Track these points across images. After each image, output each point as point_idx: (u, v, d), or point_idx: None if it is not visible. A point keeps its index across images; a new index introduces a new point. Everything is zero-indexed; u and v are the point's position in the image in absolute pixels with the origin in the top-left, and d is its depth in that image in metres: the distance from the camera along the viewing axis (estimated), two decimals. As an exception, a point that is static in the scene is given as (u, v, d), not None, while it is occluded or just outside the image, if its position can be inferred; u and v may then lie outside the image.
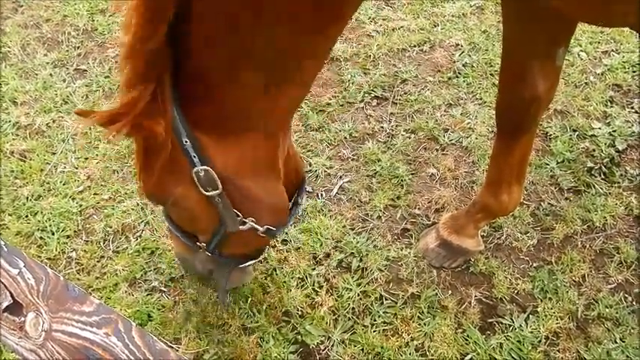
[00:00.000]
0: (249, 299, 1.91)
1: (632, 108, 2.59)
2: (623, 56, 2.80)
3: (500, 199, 1.87)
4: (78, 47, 2.97)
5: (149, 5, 0.99)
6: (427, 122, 2.53)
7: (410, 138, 2.49)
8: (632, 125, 2.50)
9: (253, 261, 1.71)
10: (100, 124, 1.10)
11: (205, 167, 1.28)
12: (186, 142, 1.24)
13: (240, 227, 1.42)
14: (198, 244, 1.54)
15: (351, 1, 1.16)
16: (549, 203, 2.22)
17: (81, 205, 2.23)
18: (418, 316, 1.86)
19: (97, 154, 2.43)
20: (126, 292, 1.94)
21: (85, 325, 0.81)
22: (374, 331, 1.83)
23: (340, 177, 2.34)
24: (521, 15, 1.54)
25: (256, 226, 1.43)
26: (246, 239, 1.51)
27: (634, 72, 2.77)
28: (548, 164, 2.35)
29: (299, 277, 1.97)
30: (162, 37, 1.04)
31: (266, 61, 1.15)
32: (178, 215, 1.51)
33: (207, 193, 1.32)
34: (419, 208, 2.22)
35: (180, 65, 1.15)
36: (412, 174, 2.34)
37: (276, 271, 1.99)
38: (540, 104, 1.66)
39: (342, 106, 2.63)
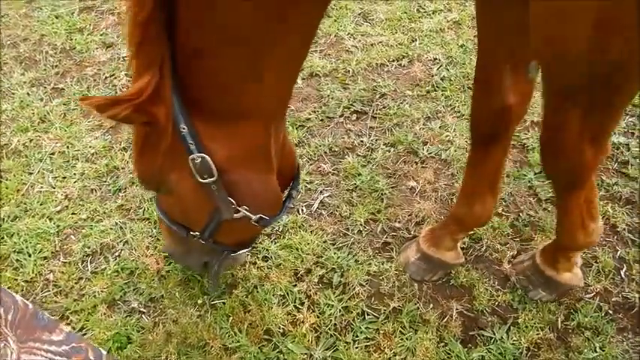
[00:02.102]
0: (230, 318, 1.89)
1: (607, 118, 2.63)
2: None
3: (473, 210, 1.87)
4: (56, 66, 2.95)
5: None
6: (406, 136, 2.55)
7: (389, 152, 2.50)
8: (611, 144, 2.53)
9: (246, 250, 1.73)
10: (102, 109, 1.12)
11: (202, 154, 1.30)
12: (183, 129, 1.27)
13: (235, 215, 1.44)
14: (192, 233, 1.55)
15: None
16: (528, 214, 2.23)
17: (58, 226, 2.21)
18: (400, 331, 1.86)
19: (74, 173, 2.40)
20: (105, 314, 1.91)
21: (55, 355, 0.80)
22: (356, 348, 1.82)
23: (321, 192, 2.34)
24: (493, 27, 1.55)
25: (250, 214, 1.45)
26: (239, 228, 1.52)
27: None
28: (526, 175, 2.37)
29: (280, 294, 1.96)
30: (156, 14, 1.08)
31: (251, 43, 1.17)
32: (172, 204, 1.53)
33: (203, 181, 1.34)
34: (399, 222, 2.22)
35: (177, 51, 1.18)
36: (392, 187, 2.35)
37: (257, 288, 1.98)
38: (511, 116, 1.67)
39: (321, 120, 2.64)
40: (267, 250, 2.10)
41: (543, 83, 1.47)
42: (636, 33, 1.18)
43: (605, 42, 1.20)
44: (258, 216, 1.47)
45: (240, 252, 1.73)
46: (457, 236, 1.98)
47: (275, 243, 2.13)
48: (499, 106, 1.63)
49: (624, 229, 2.16)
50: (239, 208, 1.43)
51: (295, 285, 1.99)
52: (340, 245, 2.13)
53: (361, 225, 2.20)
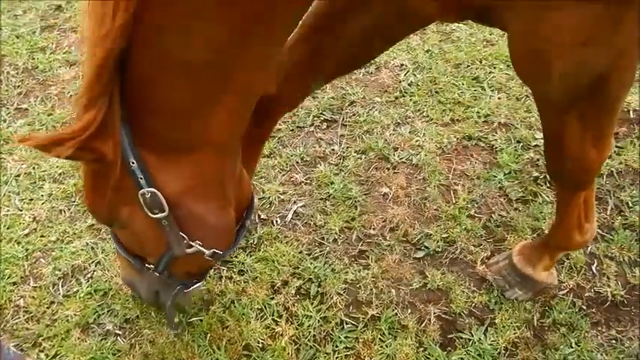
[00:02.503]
0: (208, 335, 1.86)
1: (571, 117, 2.69)
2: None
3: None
4: (18, 86, 2.89)
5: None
6: (377, 142, 2.56)
7: (361, 159, 2.51)
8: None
9: (199, 284, 1.70)
10: (45, 150, 1.07)
11: (152, 189, 1.27)
12: (133, 163, 1.23)
13: (187, 250, 1.40)
14: (146, 265, 1.52)
15: (278, 16, 1.16)
16: (500, 214, 2.27)
17: (27, 249, 2.15)
18: (379, 338, 1.86)
19: (42, 195, 2.35)
20: (79, 338, 1.87)
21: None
22: (336, 358, 1.82)
23: (294, 202, 2.33)
24: (317, 31, 1.59)
25: (203, 249, 1.42)
26: (193, 261, 1.50)
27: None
28: (495, 176, 2.41)
29: (258, 308, 1.94)
30: (115, 52, 1.05)
31: (200, 69, 1.15)
32: (126, 237, 1.49)
33: (153, 216, 1.31)
34: (374, 229, 2.23)
35: (126, 83, 1.14)
36: (365, 194, 2.36)
37: (234, 303, 1.96)
38: (279, 106, 1.71)
39: (292, 131, 2.64)
40: (242, 263, 2.08)
41: (535, 100, 1.50)
42: (616, 47, 1.22)
43: (587, 59, 1.24)
44: (212, 251, 1.44)
45: (195, 286, 1.68)
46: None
47: (250, 256, 2.11)
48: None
49: (593, 224, 2.20)
50: (192, 243, 1.39)
51: (273, 298, 1.98)
52: (316, 255, 2.13)
53: (336, 233, 2.20)
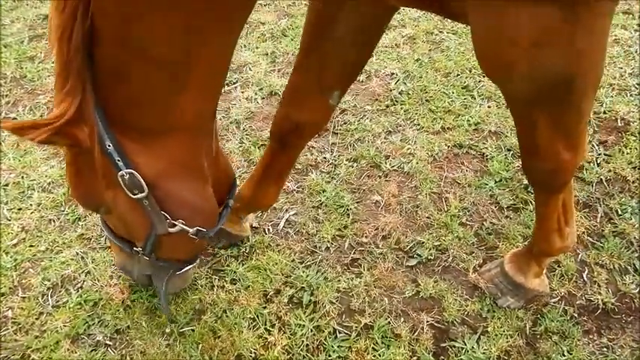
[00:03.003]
0: (200, 346, 1.85)
1: (561, 125, 2.71)
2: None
3: None
4: (6, 95, 2.86)
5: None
6: (368, 150, 2.57)
7: (353, 167, 2.51)
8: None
9: (190, 266, 1.75)
10: (21, 133, 1.12)
11: (130, 170, 1.33)
12: (109, 146, 1.30)
13: (170, 230, 1.47)
14: (135, 249, 1.58)
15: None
16: (491, 222, 2.27)
17: (16, 260, 2.12)
18: (373, 347, 1.85)
19: (30, 204, 2.33)
20: (68, 349, 1.84)
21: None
22: (329, 367, 1.81)
23: (286, 210, 2.33)
24: (312, 47, 1.66)
25: (186, 227, 1.47)
26: (180, 242, 1.55)
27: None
28: (486, 184, 2.42)
29: (250, 317, 1.93)
30: (80, 45, 1.11)
31: (165, 56, 1.21)
32: (114, 222, 1.56)
33: (134, 196, 1.37)
34: (366, 237, 2.23)
35: (98, 70, 1.20)
36: (357, 202, 2.36)
37: (226, 312, 1.94)
38: (307, 129, 1.80)
39: (283, 139, 2.63)
40: (234, 272, 2.07)
41: (505, 98, 1.51)
42: (574, 47, 1.23)
43: (545, 59, 1.25)
44: (196, 228, 1.49)
45: (187, 268, 1.74)
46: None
47: (242, 265, 2.10)
48: (296, 118, 1.75)
49: (584, 232, 2.22)
50: (174, 222, 1.46)
51: (265, 307, 1.97)
52: (308, 263, 2.12)
53: (328, 242, 2.20)
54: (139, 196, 1.38)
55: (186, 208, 1.47)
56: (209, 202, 1.53)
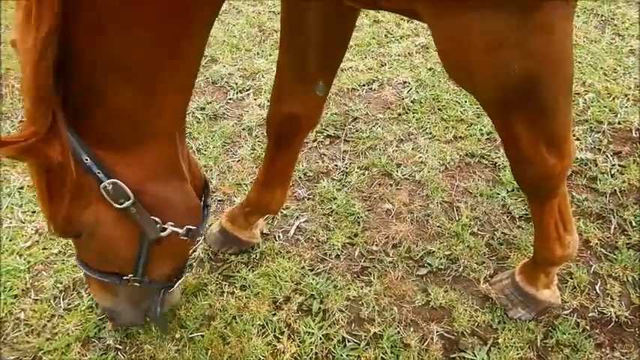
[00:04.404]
0: (209, 352, 1.85)
1: (574, 135, 2.70)
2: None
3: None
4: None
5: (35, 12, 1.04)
6: (380, 158, 2.57)
7: (364, 175, 2.51)
8: (575, 152, 2.58)
9: (179, 281, 1.72)
10: None
11: (113, 180, 1.31)
12: (87, 160, 1.27)
13: (162, 234, 1.44)
14: (124, 277, 1.53)
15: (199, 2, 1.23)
16: (503, 232, 2.26)
17: (29, 262, 2.14)
18: (382, 357, 1.84)
19: (45, 208, 2.35)
20: (79, 352, 1.85)
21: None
22: (338, 375, 1.80)
23: (297, 217, 2.33)
24: (296, 43, 1.69)
25: (177, 229, 1.46)
26: (171, 248, 1.53)
27: (572, 101, 2.89)
28: (499, 194, 2.41)
29: (259, 324, 1.93)
30: (50, 62, 1.08)
31: (133, 67, 1.21)
32: (96, 250, 1.49)
33: (120, 206, 1.34)
34: (376, 245, 2.22)
35: (72, 85, 1.18)
36: (368, 210, 2.36)
37: (235, 319, 1.95)
38: (300, 123, 1.82)
39: (295, 146, 2.64)
40: (244, 278, 2.07)
41: (479, 103, 1.52)
42: (531, 51, 1.23)
43: (503, 63, 1.25)
44: (186, 228, 1.48)
45: (176, 284, 1.71)
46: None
47: (252, 271, 2.11)
48: (287, 111, 1.79)
49: (597, 243, 2.20)
50: (165, 226, 1.44)
51: (274, 314, 1.97)
52: (318, 271, 2.12)
53: (339, 249, 2.20)
54: (126, 204, 1.35)
55: (173, 209, 1.46)
56: (193, 198, 1.52)
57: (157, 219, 1.43)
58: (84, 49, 1.15)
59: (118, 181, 1.32)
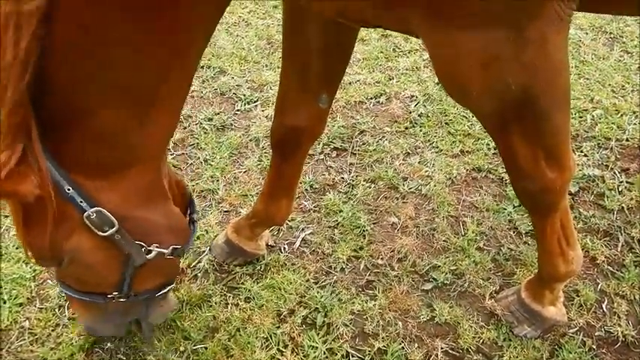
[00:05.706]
0: (212, 363, 1.85)
1: (582, 151, 2.69)
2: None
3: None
4: None
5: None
6: (386, 171, 2.57)
7: (370, 188, 2.51)
8: (583, 168, 2.58)
9: (169, 287, 1.69)
10: None
11: (96, 208, 1.29)
12: (69, 189, 1.25)
13: (148, 257, 1.43)
14: (109, 295, 1.52)
15: (192, 27, 1.21)
16: (509, 248, 2.25)
17: (35, 270, 2.15)
18: (385, 372, 1.84)
19: (51, 216, 2.36)
20: (82, 362, 1.85)
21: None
22: (341, 390, 1.79)
23: (302, 229, 2.33)
24: (290, 54, 1.72)
25: (162, 250, 1.45)
26: (157, 267, 1.52)
27: (580, 117, 2.89)
28: (505, 209, 2.40)
29: (263, 337, 1.93)
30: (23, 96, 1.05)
31: (122, 94, 1.19)
32: (78, 274, 1.47)
33: (104, 234, 1.33)
34: (382, 258, 2.22)
35: (51, 115, 1.15)
36: (374, 223, 2.35)
37: (239, 331, 1.94)
38: (303, 135, 1.84)
39: (302, 158, 2.65)
40: (249, 290, 2.07)
41: (477, 118, 1.52)
42: (525, 65, 1.23)
43: (497, 79, 1.25)
44: (171, 248, 1.47)
45: (166, 290, 1.67)
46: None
47: (257, 283, 2.10)
48: (291, 123, 1.80)
49: (603, 261, 2.18)
50: (150, 249, 1.43)
51: (278, 327, 1.96)
52: (323, 284, 2.12)
53: (344, 262, 2.19)
54: (110, 231, 1.33)
55: (157, 231, 1.45)
56: (178, 218, 1.51)
57: (142, 243, 1.41)
58: (64, 71, 1.10)
59: (102, 209, 1.30)
